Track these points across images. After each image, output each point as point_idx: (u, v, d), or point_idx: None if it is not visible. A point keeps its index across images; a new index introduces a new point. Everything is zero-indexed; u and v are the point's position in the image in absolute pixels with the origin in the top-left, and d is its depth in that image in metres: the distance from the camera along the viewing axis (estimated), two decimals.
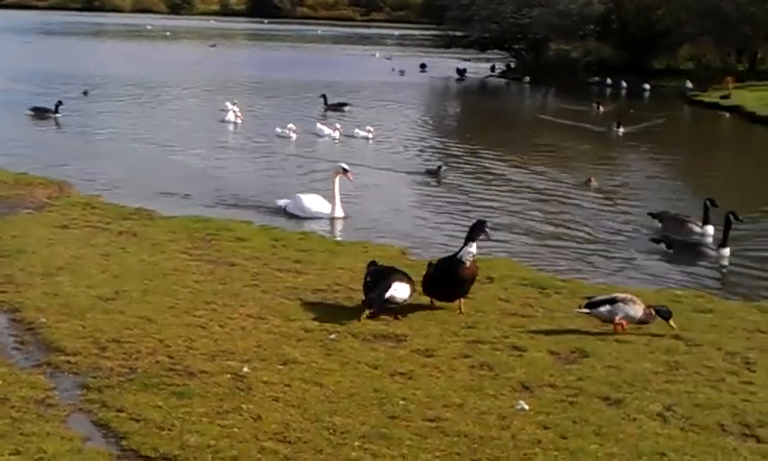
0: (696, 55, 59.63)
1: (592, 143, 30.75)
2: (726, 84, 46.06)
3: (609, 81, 54.30)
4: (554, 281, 12.13)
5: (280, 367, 8.41)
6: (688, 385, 8.30)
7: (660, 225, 16.66)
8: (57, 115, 29.48)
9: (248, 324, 9.64)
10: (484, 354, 8.96)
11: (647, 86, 51.57)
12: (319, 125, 29.17)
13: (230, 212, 16.68)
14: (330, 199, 16.81)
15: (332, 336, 9.32)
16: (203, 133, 28.35)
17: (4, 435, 6.90)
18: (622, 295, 9.94)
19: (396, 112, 37.89)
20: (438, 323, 9.89)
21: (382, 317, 9.96)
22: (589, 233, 16.45)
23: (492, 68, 62.92)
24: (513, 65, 63.87)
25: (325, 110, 35.36)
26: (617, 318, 9.66)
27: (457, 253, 10.13)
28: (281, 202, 17.34)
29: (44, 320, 9.45)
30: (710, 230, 16.22)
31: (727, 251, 14.79)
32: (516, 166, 23.72)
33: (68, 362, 8.38)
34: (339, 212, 16.76)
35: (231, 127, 30.35)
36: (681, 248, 15.14)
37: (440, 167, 21.88)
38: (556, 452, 6.89)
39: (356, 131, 28.44)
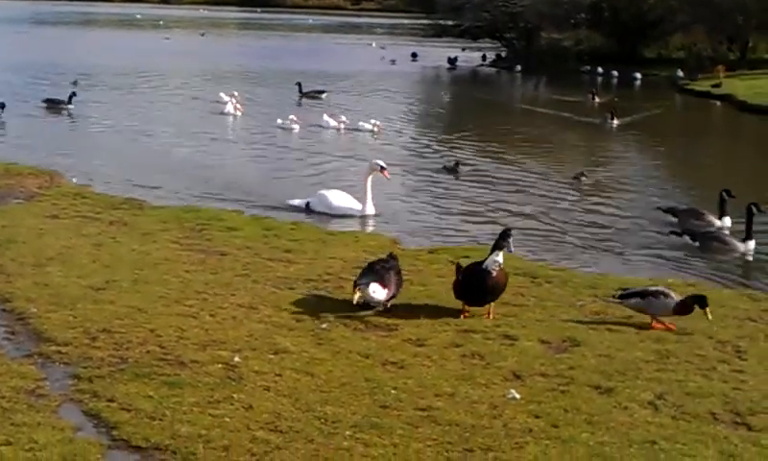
0: (687, 44, 59.65)
1: (586, 135, 30.40)
2: (717, 73, 46.08)
3: (600, 70, 54.27)
4: (545, 271, 12.15)
5: (271, 356, 8.40)
6: (679, 374, 8.32)
7: (674, 219, 16.24)
8: (69, 107, 29.03)
9: (239, 313, 9.63)
10: (475, 343, 8.96)
11: (638, 75, 51.57)
12: (324, 116, 28.33)
13: (236, 208, 16.02)
14: (361, 195, 16.13)
15: (323, 326, 9.32)
16: (202, 126, 27.59)
17: None
18: (653, 288, 9.84)
19: (392, 103, 37.58)
20: (429, 312, 9.88)
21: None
22: (586, 225, 16.32)
23: (484, 57, 62.83)
24: (504, 54, 63.79)
25: (300, 98, 35.15)
26: (649, 311, 9.57)
27: (483, 261, 9.80)
28: (296, 201, 16.60)
29: (35, 310, 9.43)
30: (728, 221, 15.85)
31: (752, 243, 14.50)
32: (517, 160, 23.12)
33: (59, 352, 8.36)
34: (370, 209, 16.05)
35: (231, 118, 29.71)
36: (706, 240, 14.79)
37: (457, 163, 21.17)
38: (547, 441, 6.90)
39: (360, 123, 27.57)
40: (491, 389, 7.84)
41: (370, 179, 16.04)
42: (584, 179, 20.26)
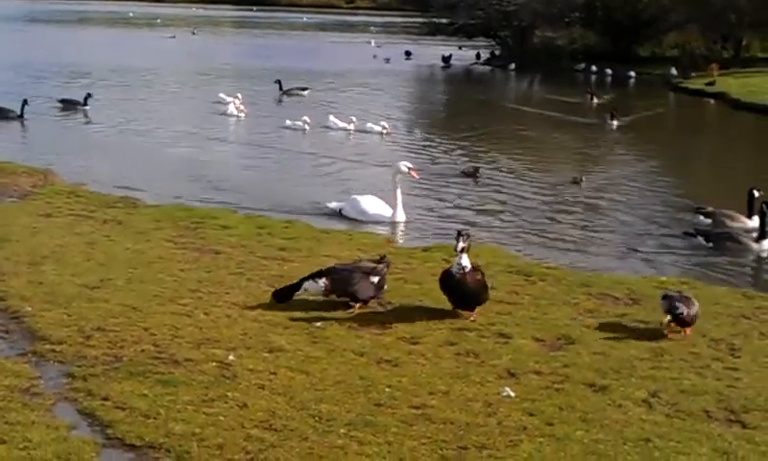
0: (681, 42, 59.74)
1: (586, 136, 29.62)
2: (711, 72, 46.14)
3: (594, 68, 54.33)
4: (540, 269, 12.14)
5: (266, 355, 8.40)
6: (674, 371, 8.33)
7: (707, 220, 16.05)
8: (86, 108, 28.75)
9: (233, 312, 9.62)
10: (470, 342, 8.97)
11: (632, 74, 51.63)
12: (331, 118, 27.76)
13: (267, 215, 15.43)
14: (390, 201, 15.71)
15: (318, 324, 9.32)
16: (204, 127, 27.01)
17: None
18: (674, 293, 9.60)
19: (393, 102, 37.37)
20: (423, 310, 9.89)
21: (368, 305, 9.96)
22: (587, 225, 16.25)
23: (478, 56, 62.83)
24: (498, 53, 63.80)
25: (281, 96, 35.04)
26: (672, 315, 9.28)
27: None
28: (333, 205, 16.30)
29: (29, 309, 9.41)
30: (757, 221, 15.45)
31: (767, 243, 14.40)
32: (526, 163, 22.75)
33: (53, 351, 8.35)
34: (401, 216, 15.62)
35: (233, 120, 29.09)
36: (720, 241, 14.66)
37: (477, 169, 20.66)
38: (542, 439, 6.91)
39: (368, 125, 26.96)
40: (485, 387, 7.84)
41: (399, 183, 15.66)
42: (582, 182, 19.76)
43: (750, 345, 9.17)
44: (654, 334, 9.35)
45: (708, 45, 57.29)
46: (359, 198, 16.14)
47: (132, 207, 15.11)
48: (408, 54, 62.46)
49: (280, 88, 35.61)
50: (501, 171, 21.66)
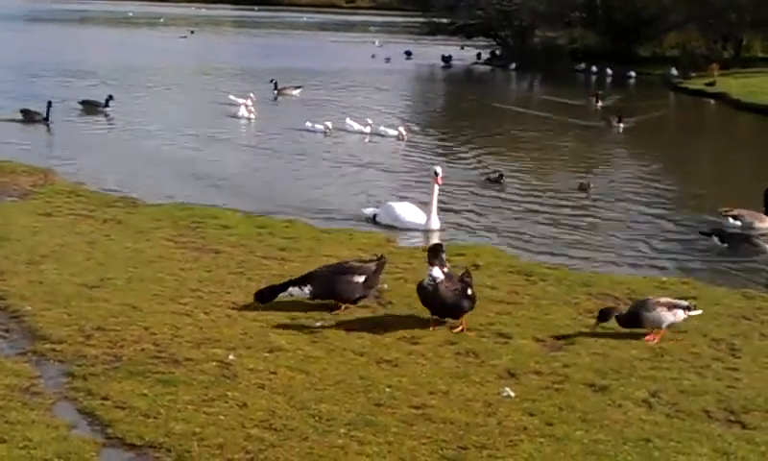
0: (682, 42, 59.70)
1: (591, 139, 28.86)
2: (711, 72, 46.10)
3: (594, 68, 54.24)
4: (540, 269, 12.14)
5: (266, 354, 8.40)
6: (674, 372, 8.33)
7: (736, 223, 15.82)
8: (107, 109, 28.36)
9: (233, 311, 9.63)
10: (470, 342, 8.97)
11: (632, 74, 51.56)
12: (348, 120, 27.12)
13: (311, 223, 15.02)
14: (425, 207, 15.37)
15: (318, 324, 9.33)
16: (216, 130, 26.44)
17: None
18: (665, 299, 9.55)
19: (395, 102, 37.16)
20: (423, 311, 9.87)
21: (368, 305, 9.97)
22: (593, 227, 16.11)
23: (479, 56, 62.81)
24: (498, 53, 63.76)
25: (276, 95, 35.05)
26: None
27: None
28: (369, 210, 15.89)
29: (29, 308, 9.41)
30: None
31: None
32: (533, 167, 22.53)
33: (53, 350, 8.36)
34: (435, 223, 15.19)
35: (244, 122, 28.50)
36: (735, 242, 14.57)
37: (501, 175, 19.92)
38: (542, 439, 6.91)
39: (382, 128, 26.35)
40: (485, 387, 7.85)
41: (436, 189, 15.19)
42: (590, 189, 19.25)
43: (750, 345, 9.18)
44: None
45: (708, 45, 57.25)
46: (394, 204, 15.84)
47: (132, 207, 15.10)
48: (408, 54, 62.43)
49: (275, 88, 35.66)
50: (521, 178, 20.85)
